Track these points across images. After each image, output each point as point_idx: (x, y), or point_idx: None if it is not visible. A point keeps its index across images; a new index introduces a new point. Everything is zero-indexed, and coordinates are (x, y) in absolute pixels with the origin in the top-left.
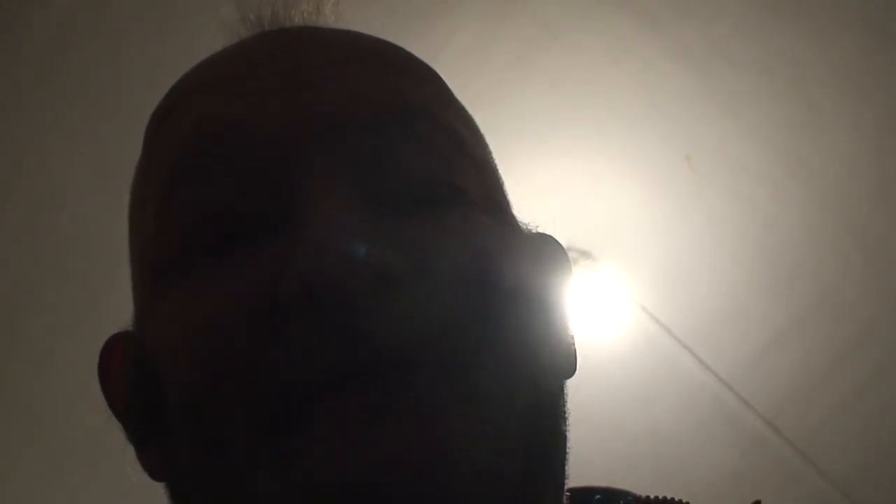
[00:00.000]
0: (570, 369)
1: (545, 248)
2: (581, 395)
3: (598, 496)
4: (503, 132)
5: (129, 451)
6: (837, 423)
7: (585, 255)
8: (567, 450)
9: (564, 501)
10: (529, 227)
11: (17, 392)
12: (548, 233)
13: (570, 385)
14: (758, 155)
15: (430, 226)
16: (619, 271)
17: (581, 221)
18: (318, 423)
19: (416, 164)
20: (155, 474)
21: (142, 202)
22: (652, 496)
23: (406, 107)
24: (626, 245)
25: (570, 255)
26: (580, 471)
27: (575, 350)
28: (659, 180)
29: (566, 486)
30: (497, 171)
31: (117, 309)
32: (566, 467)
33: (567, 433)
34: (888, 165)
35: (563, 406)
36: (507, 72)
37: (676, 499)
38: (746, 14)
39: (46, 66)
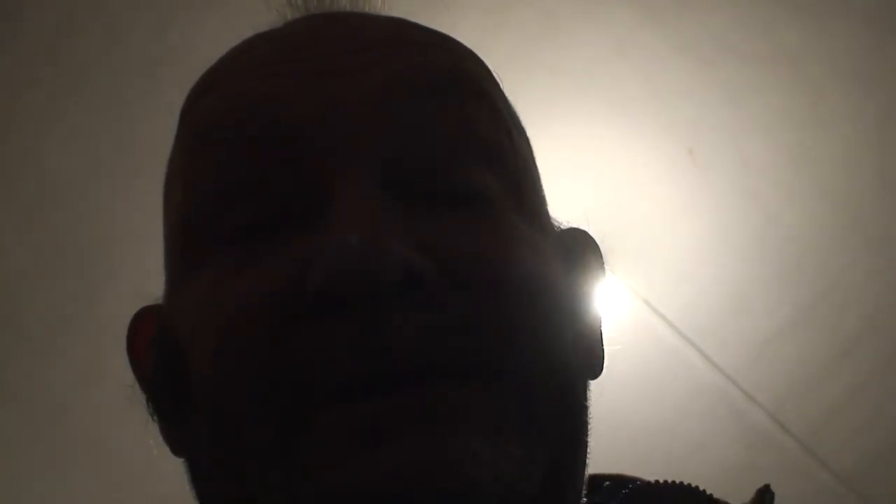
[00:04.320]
0: (597, 370)
1: (576, 246)
2: None
3: (607, 483)
4: None
5: (131, 446)
6: (842, 415)
7: None
8: (587, 458)
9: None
10: (561, 224)
11: (17, 388)
12: (580, 228)
13: None
14: (760, 147)
15: (458, 225)
16: (622, 265)
17: (582, 215)
18: (335, 430)
19: (451, 156)
20: (175, 450)
21: (174, 175)
22: (659, 480)
23: (449, 90)
24: (628, 239)
25: None
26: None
27: (602, 350)
28: (661, 172)
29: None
30: (535, 164)
31: (117, 304)
32: (585, 474)
33: (588, 440)
34: (891, 157)
35: (587, 413)
36: (509, 63)
37: (684, 483)
38: (749, 6)
39: (46, 61)
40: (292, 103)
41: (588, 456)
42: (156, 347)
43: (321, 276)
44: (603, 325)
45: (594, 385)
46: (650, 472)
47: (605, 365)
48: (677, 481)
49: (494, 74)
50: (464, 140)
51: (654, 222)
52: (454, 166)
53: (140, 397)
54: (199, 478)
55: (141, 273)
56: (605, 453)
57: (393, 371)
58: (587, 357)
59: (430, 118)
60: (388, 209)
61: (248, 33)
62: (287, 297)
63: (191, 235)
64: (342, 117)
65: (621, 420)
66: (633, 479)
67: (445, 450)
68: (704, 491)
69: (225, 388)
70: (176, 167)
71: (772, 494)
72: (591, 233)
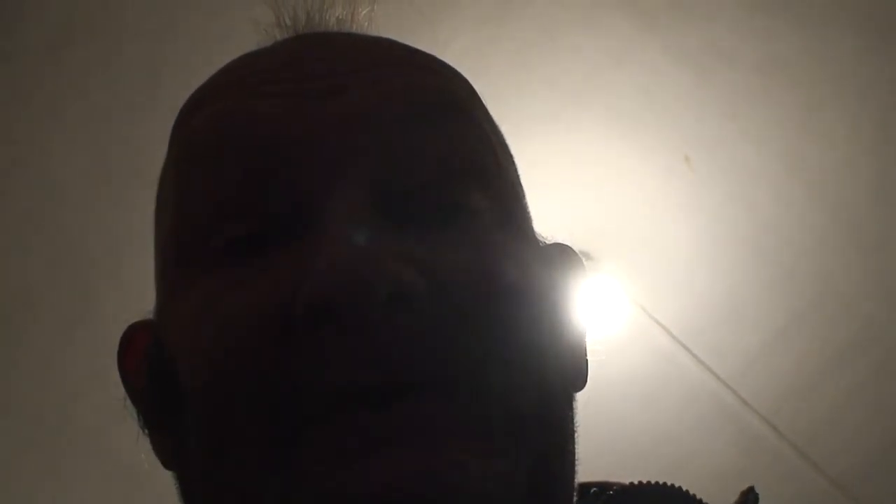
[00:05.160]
0: (581, 383)
1: (560, 261)
2: (580, 396)
3: (594, 489)
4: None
5: (132, 455)
6: (836, 421)
7: (584, 255)
8: (575, 467)
9: None
10: (545, 239)
11: (18, 395)
12: (564, 243)
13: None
14: (756, 155)
15: (445, 239)
16: (619, 271)
17: (580, 222)
18: (326, 443)
19: (439, 169)
20: (167, 463)
21: (167, 190)
22: (641, 481)
23: (435, 111)
24: (625, 245)
25: None
26: (580, 471)
27: (586, 363)
28: (658, 180)
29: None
30: (519, 180)
31: (119, 312)
32: (574, 484)
33: (575, 450)
34: (886, 164)
35: (572, 423)
36: (507, 73)
37: (666, 483)
38: (745, 15)
39: (47, 69)
40: (281, 123)
41: (576, 465)
42: (149, 360)
43: (312, 290)
44: (589, 334)
45: (587, 392)
46: (644, 477)
47: (588, 377)
48: (659, 482)
49: (479, 95)
50: (450, 160)
51: (650, 228)
52: (441, 184)
53: (132, 411)
54: (190, 490)
55: (143, 280)
56: (599, 459)
57: (382, 383)
58: (571, 368)
59: (417, 139)
60: (376, 224)
61: (248, 39)
62: (279, 310)
63: (183, 250)
64: (331, 137)
65: (616, 425)
66: (617, 484)
67: (432, 463)
68: (687, 491)
69: (218, 401)
70: (167, 183)
71: (755, 495)
72: (590, 237)
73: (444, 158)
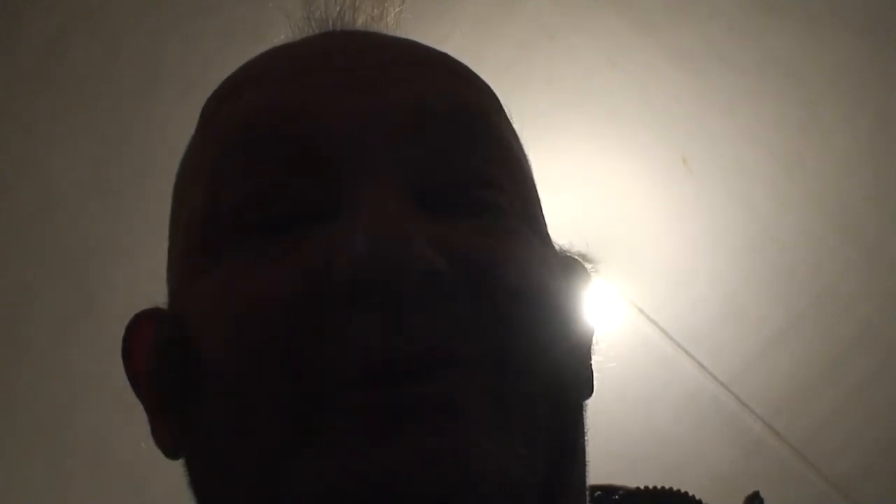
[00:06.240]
0: (588, 392)
1: (572, 270)
2: None
3: (598, 493)
4: None
5: (131, 456)
6: (836, 423)
7: (581, 258)
8: (586, 472)
9: None
10: (560, 246)
11: (17, 398)
12: (573, 255)
13: None
14: (754, 155)
15: (476, 233)
16: (616, 273)
17: (577, 224)
18: (351, 422)
19: (468, 170)
20: (174, 449)
21: (192, 175)
22: (647, 486)
23: (463, 111)
24: (622, 246)
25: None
26: None
27: (592, 371)
28: (656, 181)
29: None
30: (536, 189)
31: (117, 314)
32: (586, 488)
33: (586, 450)
34: (884, 165)
35: (583, 423)
36: (504, 72)
37: (673, 488)
38: (741, 15)
39: (44, 73)
40: (322, 112)
41: (588, 470)
42: (158, 342)
43: (349, 265)
44: (596, 339)
45: None
46: (644, 480)
47: (595, 386)
48: (666, 487)
49: (504, 106)
50: (481, 161)
51: (648, 230)
52: (471, 183)
53: (134, 400)
54: (203, 472)
55: (143, 280)
56: (598, 461)
57: (411, 360)
58: (582, 375)
59: (450, 139)
60: (409, 210)
61: (244, 43)
62: (312, 285)
63: (211, 230)
64: (369, 128)
65: (614, 428)
66: (622, 488)
67: (451, 442)
68: (693, 496)
69: (245, 374)
70: (196, 167)
71: (760, 501)
72: (587, 239)
73: (476, 159)
